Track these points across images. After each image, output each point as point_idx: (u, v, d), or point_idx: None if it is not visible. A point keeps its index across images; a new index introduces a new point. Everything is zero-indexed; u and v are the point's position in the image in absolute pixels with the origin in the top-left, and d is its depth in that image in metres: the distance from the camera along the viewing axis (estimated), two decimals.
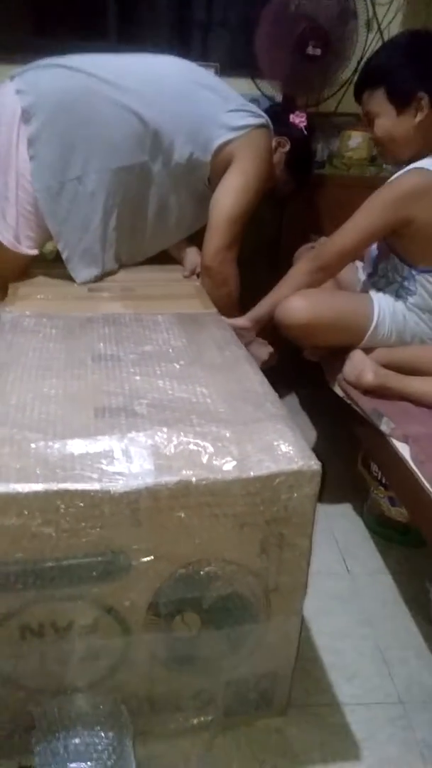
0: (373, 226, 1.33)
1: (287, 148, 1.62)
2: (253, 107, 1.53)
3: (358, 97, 1.39)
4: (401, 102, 1.31)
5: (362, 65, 1.46)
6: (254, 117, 1.48)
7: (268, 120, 1.52)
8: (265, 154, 1.51)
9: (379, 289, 1.42)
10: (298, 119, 1.65)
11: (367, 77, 1.37)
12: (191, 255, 1.67)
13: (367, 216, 1.33)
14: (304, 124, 1.66)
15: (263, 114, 1.52)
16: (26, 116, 1.36)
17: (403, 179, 1.30)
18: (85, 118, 1.38)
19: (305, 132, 1.66)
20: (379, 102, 1.34)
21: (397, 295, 1.40)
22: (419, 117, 1.31)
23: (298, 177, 1.70)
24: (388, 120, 1.34)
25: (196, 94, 1.46)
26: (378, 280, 1.44)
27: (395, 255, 1.37)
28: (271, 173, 1.57)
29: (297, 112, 1.67)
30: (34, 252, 1.50)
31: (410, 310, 1.39)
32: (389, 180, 1.34)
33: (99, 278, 1.54)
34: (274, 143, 1.58)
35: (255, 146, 1.48)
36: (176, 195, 1.55)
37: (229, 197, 1.47)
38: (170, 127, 1.43)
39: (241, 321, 1.47)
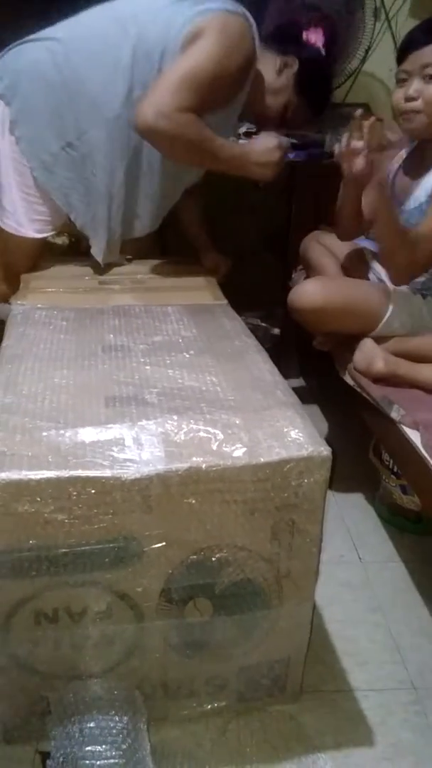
0: None
1: (295, 68, 1.43)
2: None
3: (417, 45, 1.24)
4: None
5: None
6: (216, 2, 1.31)
7: (246, 13, 1.33)
8: (237, 41, 1.29)
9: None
10: (314, 36, 1.47)
11: None
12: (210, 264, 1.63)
13: None
14: (322, 41, 1.47)
15: (239, 6, 1.33)
16: (6, 100, 1.35)
17: None
18: (60, 83, 1.34)
19: (323, 51, 1.47)
20: None
21: (422, 287, 1.39)
22: None
23: (313, 103, 1.50)
24: None
25: (162, 13, 1.33)
26: None
27: None
28: (245, 66, 1.33)
29: (313, 28, 1.48)
30: (43, 235, 1.48)
31: (429, 303, 1.38)
32: None
33: (113, 249, 1.51)
34: (278, 63, 1.42)
35: (220, 26, 1.28)
36: None
37: (189, 58, 1.27)
38: (144, 59, 1.32)
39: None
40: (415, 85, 1.25)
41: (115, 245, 1.52)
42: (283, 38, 1.46)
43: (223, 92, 1.33)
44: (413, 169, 1.39)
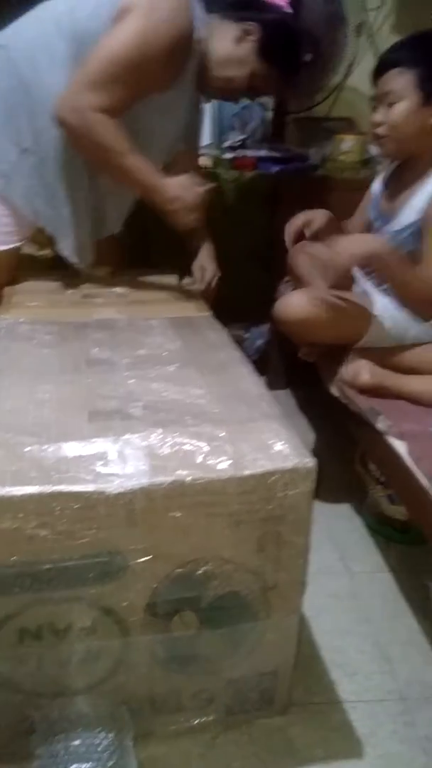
0: None
1: (257, 34, 1.35)
2: None
3: (381, 72, 1.28)
4: (430, 93, 1.25)
5: (396, 43, 1.33)
6: None
7: None
8: (167, 14, 1.24)
9: (383, 291, 1.42)
10: None
11: (401, 54, 1.27)
12: (205, 260, 1.61)
13: None
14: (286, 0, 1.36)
15: None
16: None
17: None
18: (9, 89, 1.33)
19: (290, 11, 1.38)
20: (405, 85, 1.25)
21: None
22: None
23: (282, 67, 1.41)
24: (408, 107, 1.26)
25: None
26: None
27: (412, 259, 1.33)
28: (180, 40, 1.27)
29: None
30: (7, 247, 1.47)
31: (414, 316, 1.39)
32: None
33: (86, 250, 1.50)
34: (236, 32, 1.35)
35: (148, 1, 1.23)
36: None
37: (113, 40, 1.23)
38: (80, 50, 1.28)
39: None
40: (380, 111, 1.29)
41: (87, 246, 1.51)
42: (240, 4, 1.38)
43: (158, 72, 1.27)
44: (395, 188, 1.41)
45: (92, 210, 1.47)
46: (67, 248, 1.49)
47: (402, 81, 1.25)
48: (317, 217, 1.42)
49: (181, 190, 1.36)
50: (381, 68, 1.29)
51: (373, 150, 2.11)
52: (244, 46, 1.36)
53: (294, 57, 1.44)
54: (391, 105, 1.27)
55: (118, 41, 1.23)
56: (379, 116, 1.30)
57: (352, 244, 1.28)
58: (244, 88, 1.42)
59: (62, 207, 1.44)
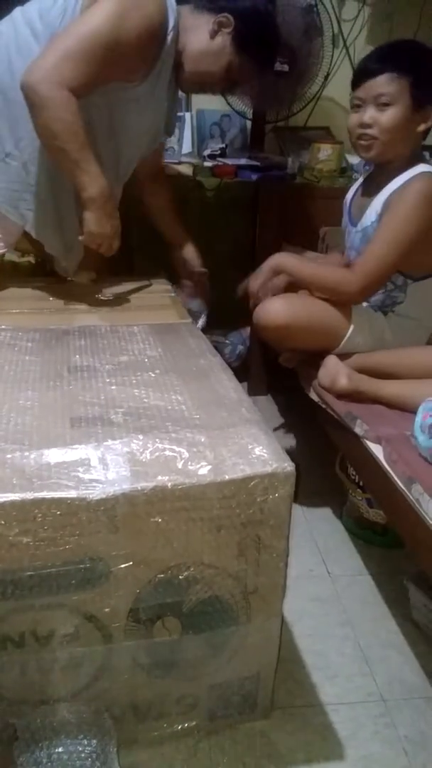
0: (410, 236, 1.28)
1: (231, 27, 1.34)
2: None
3: (372, 74, 1.29)
4: (422, 101, 1.27)
5: (385, 47, 1.35)
6: None
7: None
8: (138, 2, 1.24)
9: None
10: None
11: (397, 60, 1.28)
12: (190, 256, 1.62)
13: (406, 227, 1.28)
14: None
15: None
16: None
17: (427, 186, 1.28)
18: None
19: None
20: (399, 89, 1.27)
21: (381, 305, 1.43)
22: (429, 124, 1.30)
23: (258, 58, 1.39)
24: (401, 111, 1.28)
25: None
26: None
27: None
28: (151, 30, 1.26)
29: None
30: None
31: (392, 320, 1.42)
32: (402, 188, 1.30)
33: (74, 253, 1.50)
34: (211, 25, 1.34)
35: None
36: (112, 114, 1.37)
37: (85, 21, 1.23)
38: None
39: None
40: (369, 113, 1.31)
41: (75, 248, 1.50)
42: None
43: (129, 57, 1.27)
44: (368, 190, 1.44)
45: (76, 212, 1.44)
46: (55, 251, 1.49)
47: (396, 85, 1.27)
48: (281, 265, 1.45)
49: (107, 213, 1.34)
50: (372, 70, 1.29)
51: (351, 157, 2.15)
52: (220, 39, 1.35)
53: (270, 46, 1.42)
54: (382, 108, 1.29)
55: (94, 19, 1.22)
56: (368, 117, 1.30)
57: (268, 260, 1.44)
58: (222, 81, 1.42)
59: (47, 210, 1.44)
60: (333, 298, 1.39)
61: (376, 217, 1.37)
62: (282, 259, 1.44)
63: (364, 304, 1.44)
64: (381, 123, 1.30)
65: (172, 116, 1.55)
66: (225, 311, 1.66)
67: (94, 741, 0.86)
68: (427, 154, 1.59)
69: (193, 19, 1.36)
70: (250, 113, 2.16)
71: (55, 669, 0.88)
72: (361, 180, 1.51)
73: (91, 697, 0.91)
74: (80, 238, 1.37)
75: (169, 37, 1.32)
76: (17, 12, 1.36)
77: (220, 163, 2.00)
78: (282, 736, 1.03)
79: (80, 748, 0.85)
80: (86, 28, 1.22)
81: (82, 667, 0.89)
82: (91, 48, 1.21)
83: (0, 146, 1.37)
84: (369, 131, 1.32)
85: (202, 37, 1.36)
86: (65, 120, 1.22)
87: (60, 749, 0.84)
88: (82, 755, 0.84)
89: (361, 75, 1.32)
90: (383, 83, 1.28)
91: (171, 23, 1.31)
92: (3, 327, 1.26)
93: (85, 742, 0.85)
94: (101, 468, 0.81)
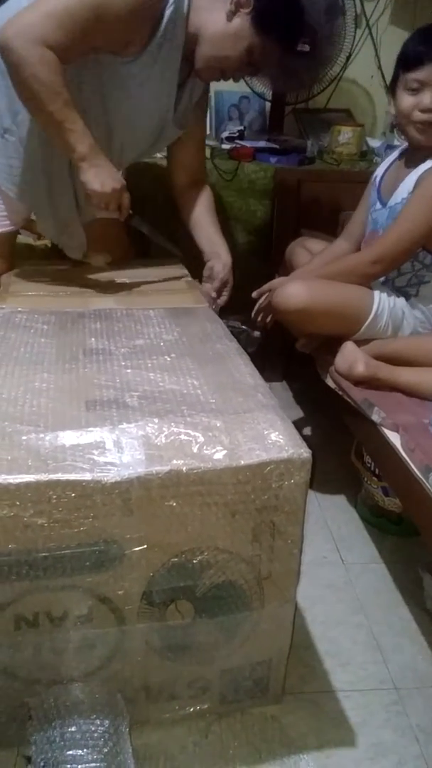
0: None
1: (250, 6, 1.27)
2: None
3: (421, 60, 1.25)
4: None
5: None
6: None
7: None
8: None
9: (382, 282, 1.43)
10: None
11: None
12: (217, 265, 1.53)
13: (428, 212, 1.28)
14: None
15: None
16: None
17: None
18: None
19: None
20: None
21: (406, 284, 1.41)
22: None
23: (281, 38, 1.32)
24: None
25: None
26: None
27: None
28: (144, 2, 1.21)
29: None
30: (1, 230, 1.46)
31: (414, 306, 1.40)
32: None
33: (73, 234, 1.47)
34: (228, 7, 1.27)
35: None
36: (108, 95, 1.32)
37: None
38: None
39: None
40: (431, 96, 1.26)
41: (71, 229, 1.47)
42: None
43: (116, 26, 1.21)
44: (401, 168, 1.41)
45: (78, 190, 1.41)
46: (47, 229, 1.47)
47: None
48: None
49: (108, 174, 1.28)
50: (420, 56, 1.25)
51: (372, 140, 2.11)
52: (238, 21, 1.28)
53: (293, 23, 1.33)
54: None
55: None
56: (429, 101, 1.26)
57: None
58: (242, 66, 1.34)
59: (42, 187, 1.41)
60: (355, 282, 1.38)
61: (407, 195, 1.34)
62: (293, 289, 1.39)
63: (386, 292, 1.41)
64: (425, 110, 1.26)
65: (184, 107, 1.46)
66: (242, 296, 1.64)
67: (107, 721, 0.87)
68: None
69: (207, 1, 1.29)
70: (269, 95, 2.13)
71: (68, 650, 0.88)
72: (393, 157, 1.48)
73: (104, 678, 0.91)
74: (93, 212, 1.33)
75: (168, 12, 1.25)
76: None
77: (238, 146, 1.97)
78: (294, 721, 1.03)
79: (93, 728, 0.85)
80: None
81: (96, 648, 0.89)
82: (76, 9, 1.15)
83: None
84: (429, 116, 1.28)
85: (218, 18, 1.29)
86: (45, 79, 1.15)
87: (73, 728, 0.85)
88: (95, 735, 0.85)
89: (421, 56, 1.26)
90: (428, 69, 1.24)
91: (178, 4, 1.25)
92: (19, 309, 1.26)
93: (98, 722, 0.86)
94: (116, 451, 0.81)
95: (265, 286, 1.51)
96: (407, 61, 1.29)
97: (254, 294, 1.53)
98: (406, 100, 1.30)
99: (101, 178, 1.26)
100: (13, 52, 1.14)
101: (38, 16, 1.14)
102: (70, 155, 1.26)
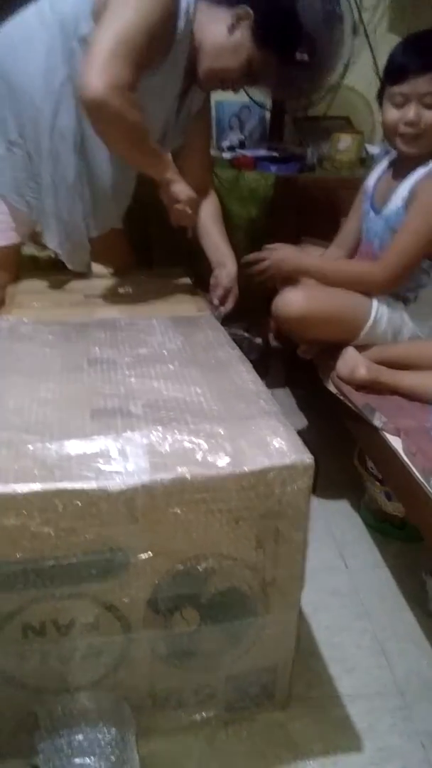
0: None
1: (250, 19, 1.29)
2: None
3: (417, 71, 1.25)
4: None
5: (425, 38, 1.30)
6: None
7: None
8: None
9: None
10: None
11: None
12: (222, 274, 1.54)
13: None
14: None
15: None
16: None
17: None
18: None
19: None
20: None
21: (404, 289, 1.42)
22: None
23: (279, 51, 1.35)
24: None
25: None
26: None
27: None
28: (166, 16, 1.23)
29: None
30: (7, 243, 1.47)
31: (412, 309, 1.41)
32: (429, 176, 1.31)
33: (79, 248, 1.49)
34: (228, 20, 1.30)
35: None
36: None
37: (118, 17, 1.16)
38: (64, 36, 1.26)
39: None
40: (414, 110, 1.27)
41: (76, 241, 1.49)
42: None
43: (153, 49, 1.23)
44: (393, 176, 1.43)
45: (86, 204, 1.44)
46: (51, 241, 1.48)
47: None
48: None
49: (184, 186, 1.38)
50: (417, 67, 1.25)
51: (371, 147, 2.13)
52: (238, 33, 1.31)
53: (291, 37, 1.38)
54: (429, 106, 1.27)
55: (128, 11, 1.17)
56: (414, 115, 1.27)
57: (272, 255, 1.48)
58: (242, 77, 1.37)
59: (49, 199, 1.42)
60: (358, 290, 1.39)
61: (402, 204, 1.35)
62: (297, 260, 1.44)
63: (384, 297, 1.42)
64: (426, 121, 1.27)
65: (184, 116, 1.48)
66: (243, 304, 1.65)
67: (114, 729, 0.87)
68: None
69: (209, 14, 1.31)
70: (269, 103, 2.15)
71: (75, 658, 0.89)
72: (383, 165, 1.49)
73: (111, 685, 0.92)
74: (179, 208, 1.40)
75: (181, 22, 1.28)
76: (31, 4, 1.33)
77: (239, 155, 1.99)
78: (299, 727, 1.03)
79: (100, 736, 0.86)
80: (129, 18, 1.16)
81: (102, 656, 0.90)
82: (136, 40, 1.16)
83: (4, 135, 1.36)
84: (415, 130, 1.29)
85: (219, 32, 1.31)
86: (139, 121, 1.21)
87: (80, 737, 0.85)
88: (102, 743, 0.85)
89: (403, 70, 1.27)
90: (425, 82, 1.24)
91: (183, 6, 1.27)
92: (24, 320, 1.27)
93: (105, 730, 0.86)
94: (121, 459, 0.82)
95: (264, 252, 1.50)
96: (391, 75, 1.29)
97: (250, 257, 1.50)
98: (392, 113, 1.31)
99: (187, 188, 1.38)
100: (112, 107, 1.15)
101: (114, 62, 1.14)
102: (158, 177, 1.35)
